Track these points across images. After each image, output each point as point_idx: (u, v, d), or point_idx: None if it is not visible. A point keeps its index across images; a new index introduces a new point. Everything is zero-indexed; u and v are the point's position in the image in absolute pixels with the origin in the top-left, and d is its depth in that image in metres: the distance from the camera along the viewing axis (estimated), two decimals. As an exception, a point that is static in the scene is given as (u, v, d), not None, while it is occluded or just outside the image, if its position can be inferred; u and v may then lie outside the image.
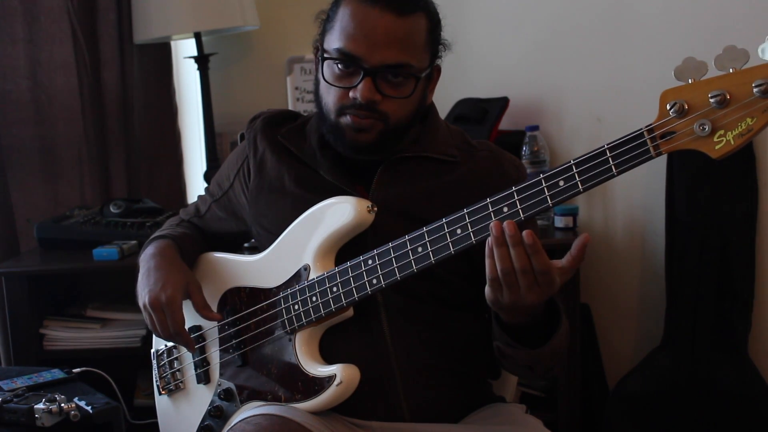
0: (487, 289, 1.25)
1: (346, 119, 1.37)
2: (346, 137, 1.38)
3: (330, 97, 1.38)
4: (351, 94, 1.35)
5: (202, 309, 1.48)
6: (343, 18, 1.35)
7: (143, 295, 1.47)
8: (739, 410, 2.28)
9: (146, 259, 1.53)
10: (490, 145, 1.52)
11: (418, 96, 1.40)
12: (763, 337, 2.38)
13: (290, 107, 2.78)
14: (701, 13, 2.38)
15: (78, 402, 1.68)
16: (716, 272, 2.31)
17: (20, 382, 1.82)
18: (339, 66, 1.36)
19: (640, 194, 2.50)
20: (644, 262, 2.54)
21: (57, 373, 1.89)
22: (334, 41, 1.36)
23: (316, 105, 1.44)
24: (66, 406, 1.63)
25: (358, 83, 1.34)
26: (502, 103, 2.52)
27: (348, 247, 1.40)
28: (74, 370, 1.93)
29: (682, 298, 2.35)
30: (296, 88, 2.79)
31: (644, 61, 2.44)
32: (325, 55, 1.38)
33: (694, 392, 2.31)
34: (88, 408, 1.67)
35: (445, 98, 2.40)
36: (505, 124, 2.53)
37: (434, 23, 1.40)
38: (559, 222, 2.36)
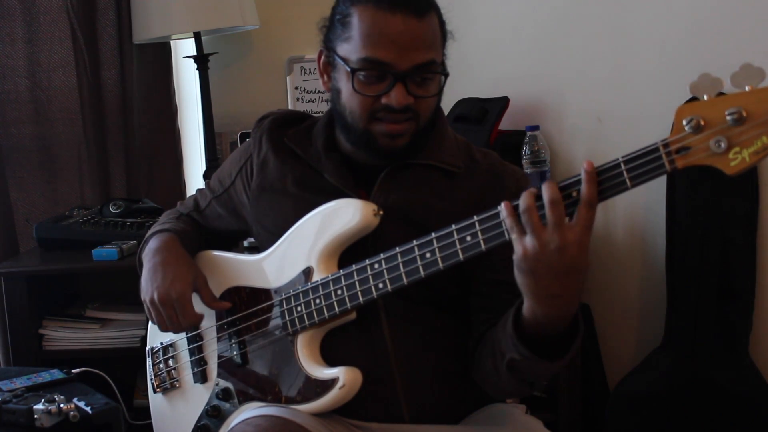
0: (515, 257, 1.17)
1: (381, 127, 1.36)
2: (380, 144, 1.38)
3: (358, 105, 1.36)
4: (384, 100, 1.34)
5: (212, 302, 1.50)
6: (362, 27, 1.33)
7: (150, 291, 1.47)
8: (740, 410, 2.28)
9: (150, 254, 1.53)
10: (492, 158, 1.49)
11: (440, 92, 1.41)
12: (764, 337, 2.37)
13: (290, 107, 2.78)
14: (701, 13, 2.37)
15: (77, 402, 1.67)
16: (717, 272, 2.30)
17: (19, 383, 1.81)
18: (364, 74, 1.34)
19: (641, 194, 2.49)
20: (644, 262, 2.54)
21: (56, 374, 1.89)
22: (356, 51, 1.34)
23: (336, 115, 1.43)
24: (65, 407, 1.63)
25: (390, 89, 1.33)
26: (503, 102, 2.51)
27: (347, 250, 1.39)
28: (73, 371, 1.92)
29: (682, 298, 2.34)
30: (296, 88, 2.79)
31: (645, 60, 2.43)
32: (351, 66, 1.34)
33: (694, 392, 2.31)
34: (88, 408, 1.67)
35: (445, 98, 2.38)
36: (505, 124, 2.52)
37: (442, 21, 1.41)
38: (560, 222, 2.35)
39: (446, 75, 1.39)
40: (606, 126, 2.51)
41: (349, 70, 1.35)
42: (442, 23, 1.40)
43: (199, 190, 1.70)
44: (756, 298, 2.34)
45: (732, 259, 2.31)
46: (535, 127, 2.47)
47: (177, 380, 1.58)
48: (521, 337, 1.25)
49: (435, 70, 1.37)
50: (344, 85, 1.37)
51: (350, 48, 1.35)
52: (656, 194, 2.41)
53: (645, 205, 2.50)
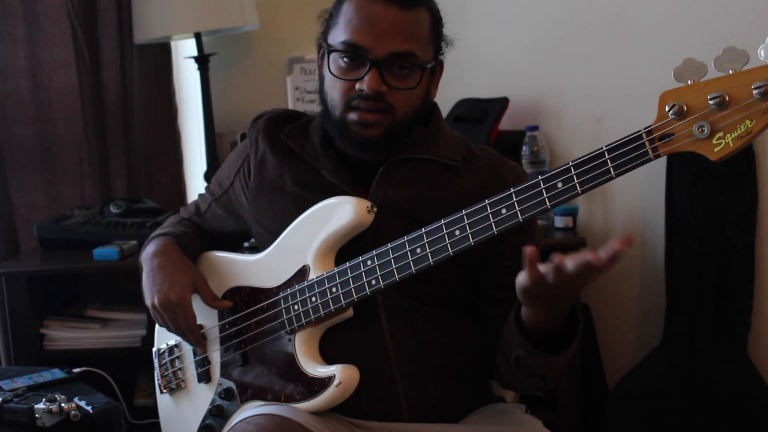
0: (520, 279, 1.20)
1: (353, 115, 1.37)
2: (352, 133, 1.38)
3: (336, 91, 1.38)
4: (357, 86, 1.35)
5: (212, 301, 1.50)
6: (347, 13, 1.36)
7: (151, 296, 1.48)
8: (739, 410, 2.29)
9: (149, 258, 1.53)
10: (491, 153, 1.50)
11: (422, 89, 1.40)
12: (763, 337, 2.38)
13: (290, 107, 2.78)
14: (701, 13, 2.38)
15: (78, 402, 1.67)
16: (716, 272, 2.31)
17: (20, 382, 1.81)
18: (345, 59, 1.36)
19: (640, 194, 2.50)
20: (644, 262, 2.54)
21: (57, 373, 1.89)
22: (339, 35, 1.37)
23: (320, 102, 1.44)
24: (66, 406, 1.62)
25: (364, 75, 1.34)
26: (502, 103, 2.52)
27: (347, 247, 1.40)
28: (74, 370, 1.92)
29: (681, 298, 2.35)
30: (296, 88, 2.79)
31: (644, 61, 2.44)
32: (331, 49, 1.38)
33: (693, 392, 2.31)
34: (89, 408, 1.66)
35: (445, 98, 2.40)
36: (505, 124, 2.53)
37: (436, 19, 1.41)
38: (559, 222, 2.36)
39: (424, 70, 1.38)
40: (605, 126, 2.51)
41: (327, 53, 1.38)
42: (435, 23, 1.40)
43: (200, 195, 1.72)
44: (755, 298, 2.35)
45: (731, 260, 2.31)
46: (535, 128, 2.48)
47: (182, 380, 1.59)
48: (525, 333, 1.28)
49: (412, 63, 1.36)
50: (326, 71, 1.40)
51: (335, 34, 1.38)
52: (655, 194, 2.42)
53: (644, 205, 2.50)
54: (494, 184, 1.42)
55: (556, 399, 2.33)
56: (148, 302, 1.49)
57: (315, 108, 2.79)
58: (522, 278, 1.20)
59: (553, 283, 1.15)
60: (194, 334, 1.47)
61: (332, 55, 1.38)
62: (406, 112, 1.39)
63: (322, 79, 1.43)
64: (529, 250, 1.16)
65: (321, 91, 1.44)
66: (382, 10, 1.34)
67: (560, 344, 1.29)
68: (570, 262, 1.12)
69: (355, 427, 1.39)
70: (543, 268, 1.16)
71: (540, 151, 2.45)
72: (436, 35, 1.41)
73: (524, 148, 2.45)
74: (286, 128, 1.52)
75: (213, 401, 1.52)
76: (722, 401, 2.28)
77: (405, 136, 1.42)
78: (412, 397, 1.39)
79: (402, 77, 1.37)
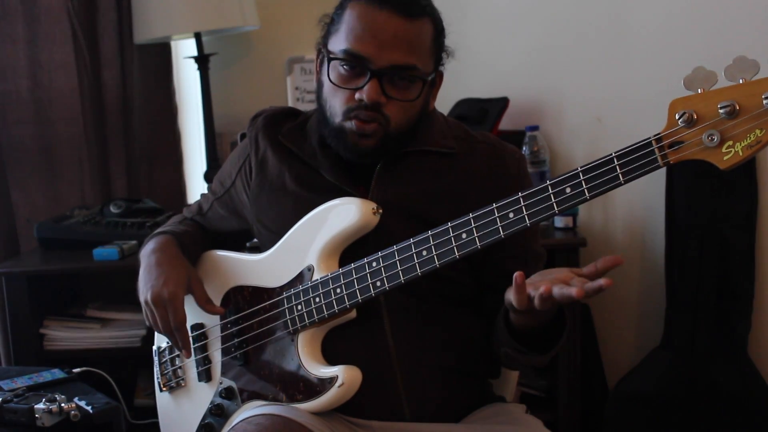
0: (508, 298, 1.25)
1: (351, 124, 1.36)
2: (349, 141, 1.38)
3: (336, 99, 1.38)
4: (357, 95, 1.35)
5: (205, 303, 1.49)
6: (349, 20, 1.35)
7: (144, 291, 1.47)
8: (739, 410, 2.29)
9: (147, 255, 1.53)
10: (489, 137, 1.51)
11: (421, 101, 1.40)
12: (763, 337, 2.38)
13: (290, 107, 2.78)
14: (701, 15, 2.38)
15: (78, 402, 1.67)
16: (716, 272, 2.31)
17: (20, 382, 1.81)
18: (345, 67, 1.36)
19: (641, 194, 2.50)
20: (644, 262, 2.54)
21: (57, 373, 1.89)
22: (340, 43, 1.36)
23: (318, 107, 1.44)
24: (66, 406, 1.62)
25: (365, 84, 1.34)
26: (502, 103, 2.52)
27: (349, 245, 1.40)
28: (74, 370, 1.92)
29: (681, 298, 2.35)
30: (296, 88, 2.79)
31: (644, 61, 2.44)
32: (331, 56, 1.37)
33: (693, 392, 2.31)
34: (89, 408, 1.66)
35: (445, 98, 2.40)
36: (505, 124, 2.53)
37: (439, 30, 1.40)
38: (559, 222, 2.36)
39: (424, 83, 1.38)
40: (605, 126, 2.51)
41: (328, 60, 1.37)
42: (437, 34, 1.39)
43: (202, 195, 1.73)
44: (755, 298, 2.35)
45: (731, 259, 2.31)
46: (535, 128, 2.48)
47: (182, 379, 1.59)
48: (513, 333, 1.33)
49: (413, 76, 1.36)
50: (326, 78, 1.39)
51: (336, 40, 1.37)
52: (656, 194, 2.41)
53: (644, 205, 2.50)
54: (495, 167, 1.43)
55: (556, 399, 2.33)
56: (141, 298, 1.49)
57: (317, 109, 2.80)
58: (510, 297, 1.24)
59: (539, 308, 1.20)
60: (181, 334, 1.45)
61: (332, 62, 1.37)
62: (400, 123, 1.38)
63: (320, 84, 1.42)
64: (516, 275, 1.20)
65: (319, 97, 1.43)
66: (385, 19, 1.33)
67: (548, 339, 1.34)
68: (556, 290, 1.16)
69: (357, 426, 1.39)
70: (531, 291, 1.20)
71: (540, 151, 2.45)
72: (437, 46, 1.40)
73: (524, 148, 2.45)
74: (284, 127, 1.52)
75: (213, 400, 1.52)
76: (722, 401, 2.28)
77: (399, 144, 1.41)
78: (413, 397, 1.39)
79: (402, 89, 1.36)
